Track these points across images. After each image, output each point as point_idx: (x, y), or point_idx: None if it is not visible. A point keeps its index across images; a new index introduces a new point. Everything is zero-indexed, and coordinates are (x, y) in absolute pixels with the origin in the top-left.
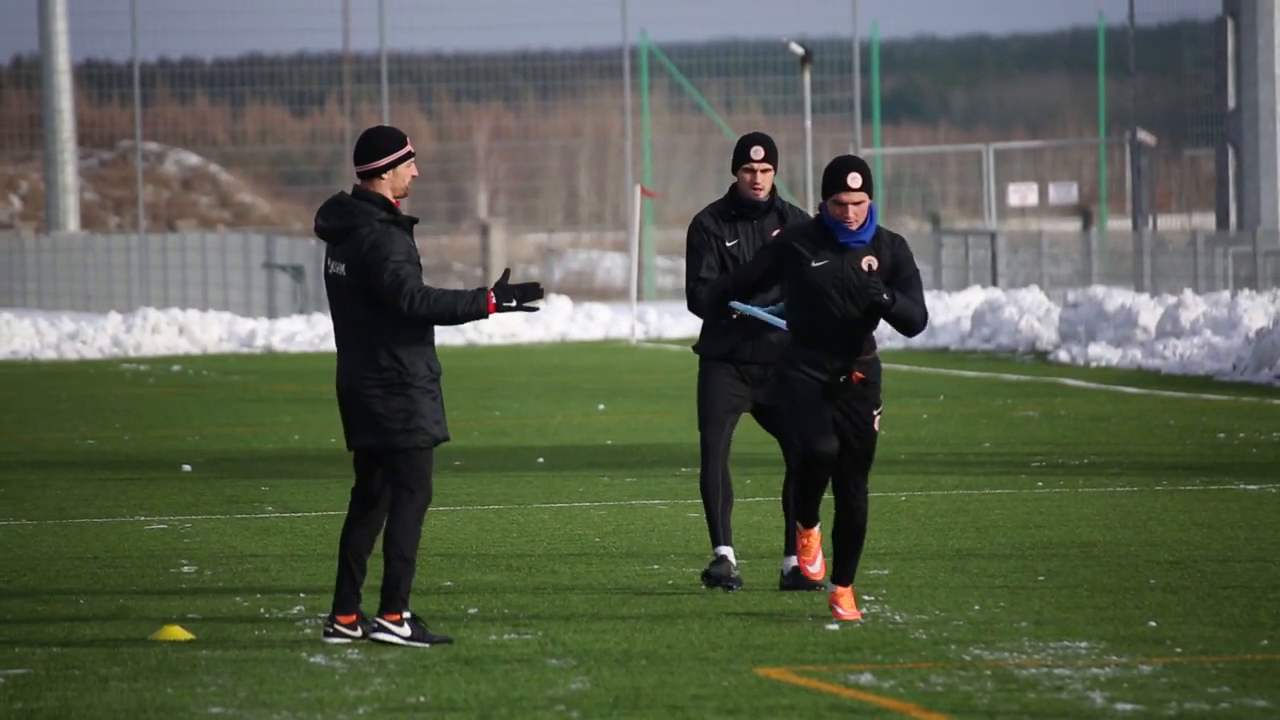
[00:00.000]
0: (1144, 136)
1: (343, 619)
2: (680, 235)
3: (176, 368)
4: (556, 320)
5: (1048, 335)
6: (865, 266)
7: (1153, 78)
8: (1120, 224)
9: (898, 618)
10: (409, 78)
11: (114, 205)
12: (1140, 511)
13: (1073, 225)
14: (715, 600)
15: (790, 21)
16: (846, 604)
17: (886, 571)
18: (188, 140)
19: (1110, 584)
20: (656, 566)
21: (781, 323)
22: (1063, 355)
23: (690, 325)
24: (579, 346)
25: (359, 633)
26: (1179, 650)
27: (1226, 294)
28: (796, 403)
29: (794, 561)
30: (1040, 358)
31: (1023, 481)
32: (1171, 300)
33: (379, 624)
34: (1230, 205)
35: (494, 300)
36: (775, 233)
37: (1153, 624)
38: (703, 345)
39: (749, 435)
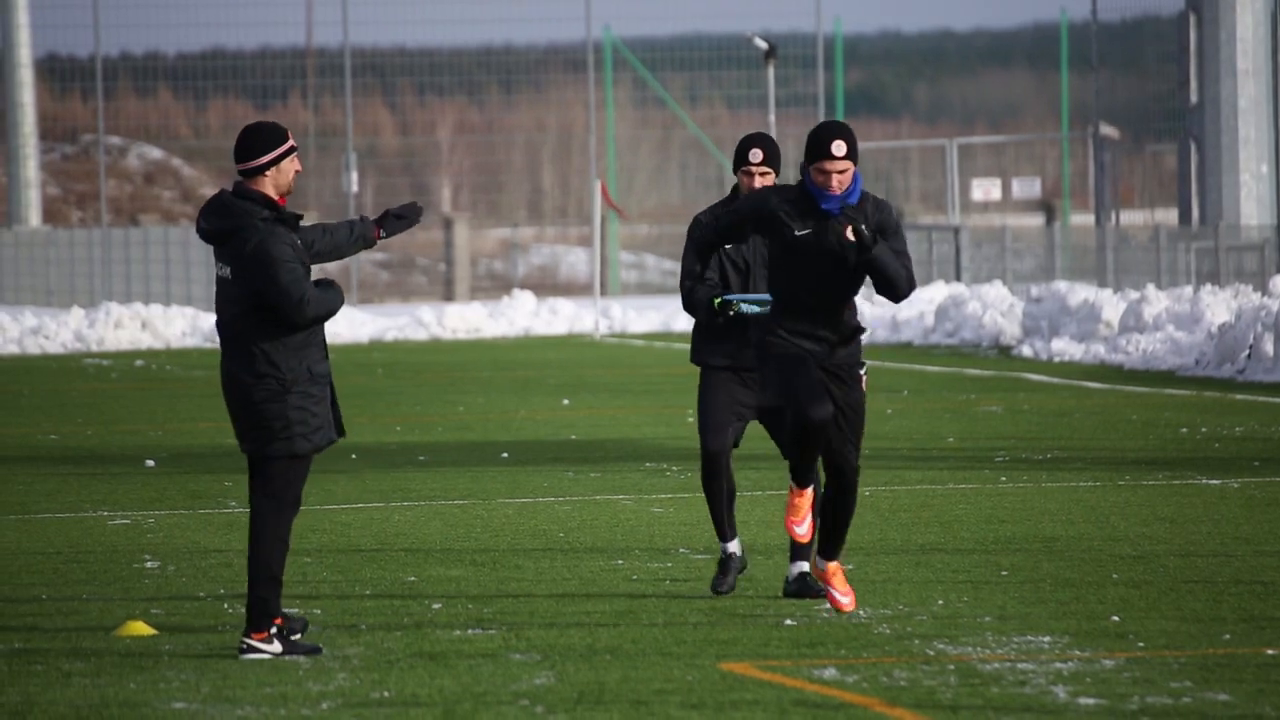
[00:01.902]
0: (1107, 131)
1: (275, 620)
2: (643, 230)
3: (140, 362)
4: (520, 315)
5: (1011, 330)
6: (849, 234)
7: (1115, 73)
8: (1083, 219)
9: (861, 613)
10: (372, 72)
11: (76, 199)
12: (1103, 506)
13: (1036, 220)
14: (679, 595)
15: (754, 16)
16: (839, 583)
17: (850, 566)
18: (150, 134)
19: (1073, 579)
20: (621, 562)
21: None
22: (1026, 350)
23: (653, 320)
24: (543, 341)
25: (279, 640)
26: (1141, 645)
27: (1189, 289)
28: (784, 369)
29: (799, 568)
30: (1004, 353)
31: (986, 476)
32: (1134, 295)
33: (247, 644)
34: (1193, 200)
35: (381, 233)
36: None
37: (1115, 618)
38: (702, 355)
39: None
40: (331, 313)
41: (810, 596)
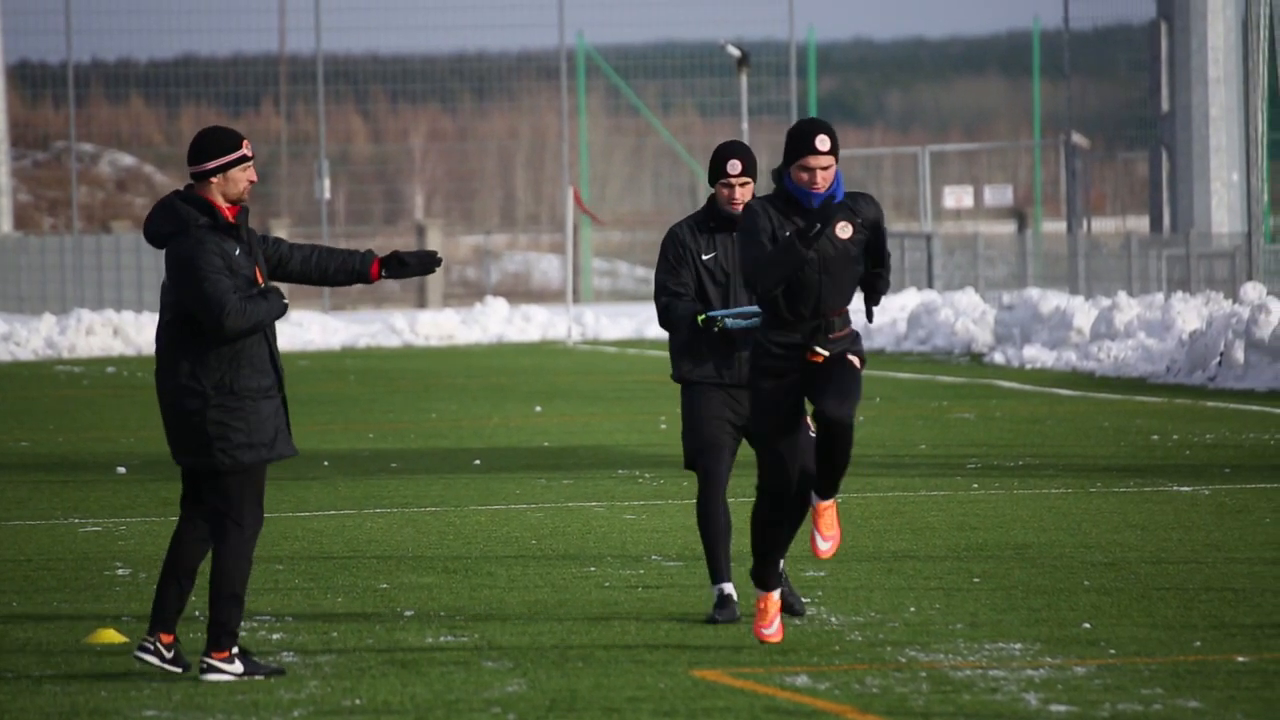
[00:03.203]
0: (1078, 140)
1: (165, 637)
2: (616, 237)
3: (111, 369)
4: (493, 322)
5: (983, 337)
6: (840, 232)
7: (1087, 81)
8: (1055, 226)
9: (834, 620)
10: (345, 79)
11: (48, 206)
12: (1074, 513)
13: (1008, 228)
14: (651, 602)
15: (727, 24)
16: (826, 521)
17: (822, 573)
18: (122, 141)
19: (1045, 586)
20: (593, 569)
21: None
22: (998, 357)
23: (626, 326)
24: (516, 348)
25: (172, 655)
26: (1113, 651)
27: (1160, 296)
28: (768, 415)
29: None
30: (976, 360)
31: (958, 483)
32: (1106, 302)
33: (208, 664)
34: (1164, 208)
35: (382, 273)
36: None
37: (1087, 625)
38: (684, 370)
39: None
40: (260, 325)
41: (786, 612)
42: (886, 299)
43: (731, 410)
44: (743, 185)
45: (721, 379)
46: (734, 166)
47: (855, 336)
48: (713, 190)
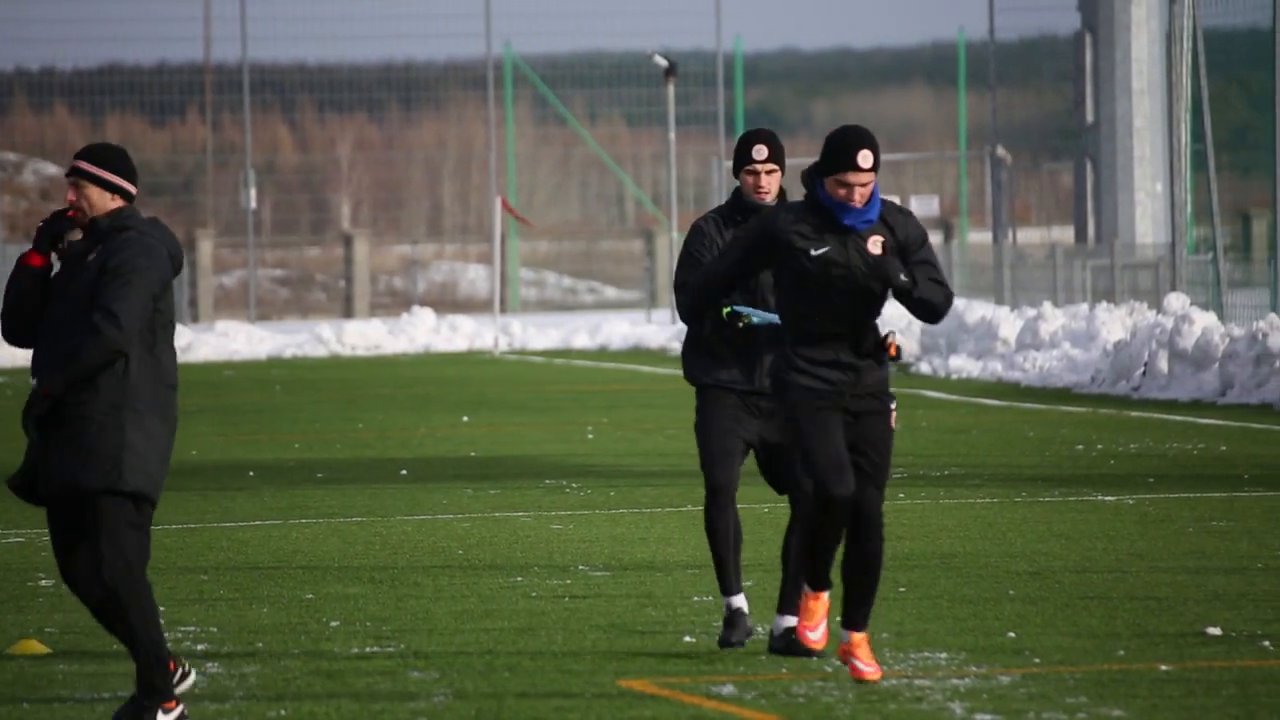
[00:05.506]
0: (1001, 153)
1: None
2: (543, 247)
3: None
4: (420, 332)
5: (909, 347)
6: (872, 247)
7: (1012, 92)
8: (981, 237)
9: (760, 629)
10: (271, 88)
11: None
12: (1000, 523)
13: (934, 238)
14: (578, 612)
15: (654, 34)
16: (864, 655)
17: (750, 583)
18: (46, 150)
19: (970, 595)
20: (520, 578)
21: None
22: (924, 367)
23: (553, 336)
24: (443, 358)
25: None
26: (1037, 661)
27: (1085, 306)
28: (804, 429)
29: (787, 622)
30: (902, 370)
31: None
32: (1031, 313)
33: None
34: (1088, 218)
35: (38, 253)
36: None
37: (1012, 635)
38: (698, 371)
39: (611, 445)
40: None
41: (800, 654)
42: None
43: (747, 420)
44: (769, 173)
45: (750, 384)
46: (760, 152)
47: (885, 374)
48: (737, 181)
